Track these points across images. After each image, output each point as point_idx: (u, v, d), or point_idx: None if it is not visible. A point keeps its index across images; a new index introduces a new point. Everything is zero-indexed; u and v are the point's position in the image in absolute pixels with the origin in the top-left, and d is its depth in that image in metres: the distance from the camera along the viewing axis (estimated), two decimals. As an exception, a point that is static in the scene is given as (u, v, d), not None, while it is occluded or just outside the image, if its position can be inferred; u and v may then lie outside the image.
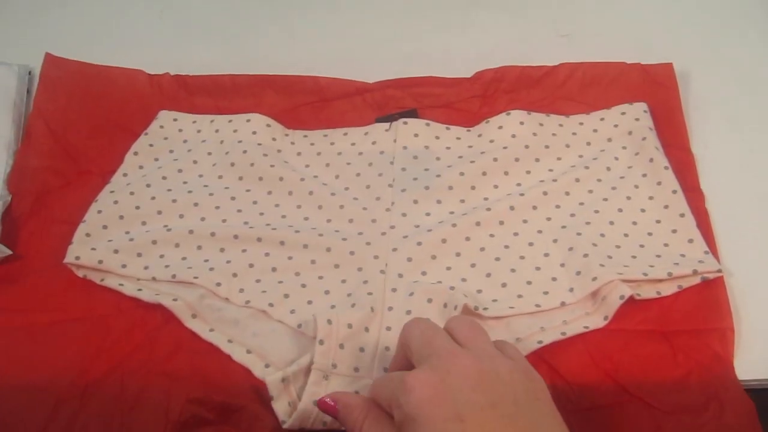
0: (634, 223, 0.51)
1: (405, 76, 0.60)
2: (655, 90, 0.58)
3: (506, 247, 0.50)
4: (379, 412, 0.38)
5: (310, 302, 0.48)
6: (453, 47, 0.63)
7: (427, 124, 0.56)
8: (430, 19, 0.67)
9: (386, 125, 0.57)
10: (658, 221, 0.50)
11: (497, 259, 0.49)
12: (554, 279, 0.48)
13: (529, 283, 0.48)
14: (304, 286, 0.49)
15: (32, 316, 0.50)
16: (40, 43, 0.64)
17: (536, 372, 0.37)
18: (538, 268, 0.48)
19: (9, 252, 0.52)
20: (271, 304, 0.48)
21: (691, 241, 0.49)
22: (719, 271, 0.47)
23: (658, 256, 0.48)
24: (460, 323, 0.39)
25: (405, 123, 0.56)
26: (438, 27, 0.66)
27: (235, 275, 0.50)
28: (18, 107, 0.60)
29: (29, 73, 0.63)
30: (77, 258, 0.51)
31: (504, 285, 0.48)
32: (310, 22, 0.68)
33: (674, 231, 0.50)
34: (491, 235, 0.50)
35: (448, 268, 0.49)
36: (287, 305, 0.48)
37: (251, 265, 0.50)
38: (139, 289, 0.50)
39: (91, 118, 0.60)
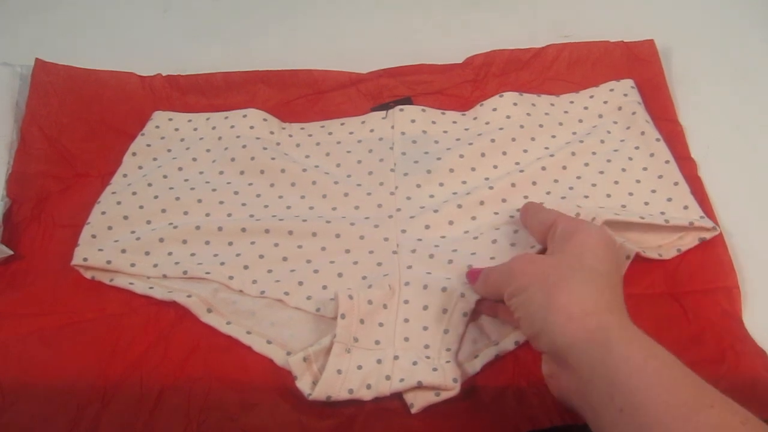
0: (631, 194, 0.52)
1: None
2: (639, 66, 0.60)
3: (511, 217, 0.51)
4: None
5: (324, 287, 0.49)
6: (451, 47, 0.63)
7: (423, 110, 0.58)
8: (428, 21, 0.67)
9: (383, 113, 0.58)
10: (653, 191, 0.52)
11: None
12: None
13: (532, 247, 0.49)
14: (316, 272, 0.50)
15: (42, 320, 0.50)
16: (42, 44, 0.64)
17: None
18: None
19: (10, 252, 0.52)
20: (286, 293, 0.49)
21: (686, 207, 0.51)
22: (714, 229, 0.49)
23: None
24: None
25: (401, 110, 0.57)
26: (435, 28, 0.67)
27: (246, 267, 0.50)
28: (21, 107, 0.60)
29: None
30: (85, 260, 0.51)
31: (513, 245, 0.49)
32: (310, 23, 0.68)
33: (669, 199, 0.51)
34: (495, 213, 0.52)
35: (458, 245, 0.50)
36: (302, 292, 0.49)
37: (261, 257, 0.51)
38: (151, 287, 0.50)
39: (85, 122, 0.60)
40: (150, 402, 0.45)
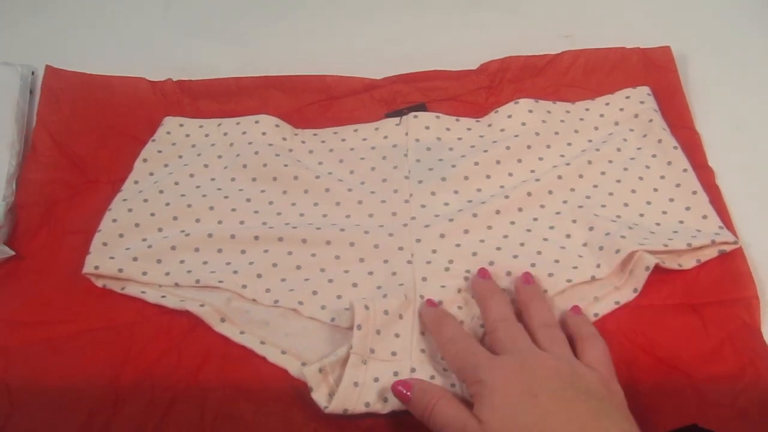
0: (648, 202, 0.52)
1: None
2: (656, 73, 0.59)
3: (528, 231, 0.51)
4: (452, 397, 0.40)
5: (339, 297, 0.48)
6: (455, 48, 0.63)
7: (437, 117, 0.57)
8: (431, 21, 0.67)
9: (396, 120, 0.57)
10: (671, 200, 0.51)
11: (522, 244, 0.50)
12: (580, 256, 0.49)
13: (556, 261, 0.48)
14: (331, 281, 0.49)
15: (52, 328, 0.49)
16: (42, 44, 0.65)
17: (617, 385, 0.40)
18: (562, 248, 0.49)
19: (12, 253, 0.52)
20: (300, 302, 0.48)
21: (705, 217, 0.50)
22: (735, 242, 0.48)
23: (675, 232, 0.49)
24: (544, 331, 0.43)
25: (415, 116, 0.57)
26: (439, 28, 0.66)
27: (259, 276, 0.50)
28: (21, 107, 0.60)
29: (32, 73, 0.63)
30: (96, 267, 0.50)
31: (533, 265, 0.48)
32: (311, 22, 0.68)
33: (688, 208, 0.51)
34: (512, 222, 0.51)
35: (474, 254, 0.50)
36: (317, 302, 0.48)
37: (275, 265, 0.50)
38: (163, 296, 0.49)
39: (96, 128, 0.59)
40: (161, 408, 0.45)
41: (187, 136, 0.58)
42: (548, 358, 0.40)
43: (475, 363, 0.40)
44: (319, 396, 0.43)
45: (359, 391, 0.43)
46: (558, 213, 0.51)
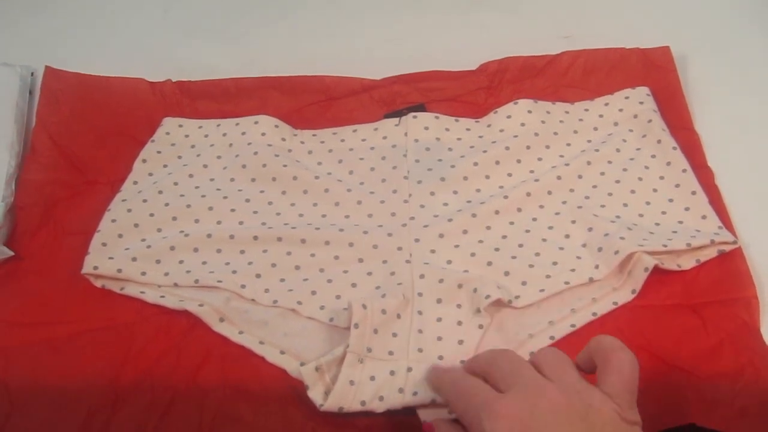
0: (648, 203, 0.52)
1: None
2: (655, 73, 0.59)
3: (527, 231, 0.51)
4: None
5: (338, 297, 0.48)
6: (455, 48, 0.63)
7: (437, 117, 0.57)
8: (431, 21, 0.67)
9: (395, 120, 0.57)
10: (670, 200, 0.52)
11: (520, 245, 0.50)
12: (578, 258, 0.49)
13: (555, 263, 0.49)
14: (330, 281, 0.49)
15: (51, 328, 0.49)
16: (42, 45, 0.65)
17: (635, 413, 0.36)
18: (561, 249, 0.49)
19: (11, 253, 0.52)
20: (299, 302, 0.48)
21: (704, 217, 0.50)
22: (735, 242, 0.48)
23: (675, 232, 0.49)
24: (546, 356, 0.38)
25: (414, 117, 0.57)
26: (439, 28, 0.66)
27: (258, 276, 0.50)
28: (20, 108, 0.60)
29: (32, 74, 0.63)
30: (95, 268, 0.50)
31: (531, 266, 0.48)
32: (311, 23, 0.68)
33: (687, 209, 0.51)
34: (511, 223, 0.51)
35: (473, 254, 0.50)
36: (316, 302, 0.48)
37: (274, 265, 0.50)
38: (162, 296, 0.50)
39: (95, 129, 0.59)
40: (161, 408, 0.45)
41: (187, 136, 0.58)
42: (558, 393, 0.35)
43: (477, 404, 0.36)
44: (315, 394, 0.43)
45: (355, 389, 0.43)
46: (557, 213, 0.51)
